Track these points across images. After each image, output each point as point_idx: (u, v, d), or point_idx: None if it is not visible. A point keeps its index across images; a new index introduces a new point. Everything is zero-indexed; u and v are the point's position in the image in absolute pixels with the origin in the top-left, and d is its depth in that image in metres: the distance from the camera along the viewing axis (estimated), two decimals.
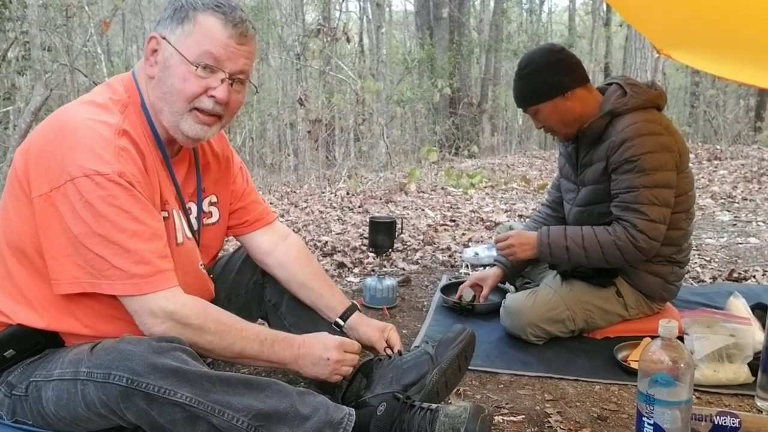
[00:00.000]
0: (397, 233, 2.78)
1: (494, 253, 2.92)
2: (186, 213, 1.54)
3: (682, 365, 1.31)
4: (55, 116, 1.37)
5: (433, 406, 1.43)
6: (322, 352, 1.50)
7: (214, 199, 1.66)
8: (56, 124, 1.34)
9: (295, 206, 5.62)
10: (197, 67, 1.36)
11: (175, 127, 1.42)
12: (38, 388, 1.32)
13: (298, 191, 6.87)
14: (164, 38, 1.38)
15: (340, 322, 1.75)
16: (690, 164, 2.21)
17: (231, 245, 2.96)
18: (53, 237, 1.29)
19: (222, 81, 1.39)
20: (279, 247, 1.77)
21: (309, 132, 8.36)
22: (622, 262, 2.12)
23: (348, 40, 8.89)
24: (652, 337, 1.96)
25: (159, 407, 1.22)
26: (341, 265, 3.36)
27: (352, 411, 1.36)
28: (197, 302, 1.41)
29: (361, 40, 14.33)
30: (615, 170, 2.08)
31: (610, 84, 2.22)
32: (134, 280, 1.30)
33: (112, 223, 1.27)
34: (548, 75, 2.13)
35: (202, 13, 1.36)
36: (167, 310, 1.33)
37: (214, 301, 1.65)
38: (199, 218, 1.60)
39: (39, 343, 1.37)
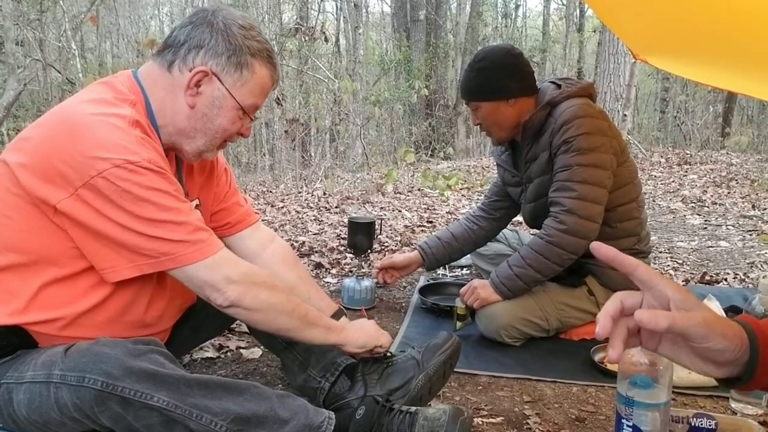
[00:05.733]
0: (376, 234, 2.77)
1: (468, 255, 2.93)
2: None
3: (660, 367, 1.31)
4: (57, 118, 1.29)
5: (413, 409, 1.43)
6: (363, 323, 1.63)
7: (197, 203, 1.62)
8: (62, 125, 1.26)
9: (272, 206, 5.58)
10: (245, 114, 1.43)
11: (199, 153, 1.45)
12: (9, 390, 1.28)
13: (274, 191, 6.82)
14: (216, 75, 1.38)
15: None
16: (630, 157, 2.26)
17: None
18: (96, 233, 1.25)
19: (252, 121, 1.48)
20: (266, 250, 1.74)
21: (286, 131, 8.29)
22: (568, 258, 2.07)
23: (326, 40, 8.84)
24: None
25: (135, 411, 1.19)
26: (319, 265, 3.34)
27: (332, 414, 1.35)
28: (254, 265, 1.45)
29: (337, 40, 14.27)
30: (555, 154, 2.11)
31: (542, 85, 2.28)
32: (197, 246, 1.29)
33: (155, 204, 1.25)
34: (499, 76, 2.15)
35: (258, 62, 1.40)
36: (241, 270, 1.35)
37: (195, 307, 1.63)
38: None
39: (11, 344, 1.33)
